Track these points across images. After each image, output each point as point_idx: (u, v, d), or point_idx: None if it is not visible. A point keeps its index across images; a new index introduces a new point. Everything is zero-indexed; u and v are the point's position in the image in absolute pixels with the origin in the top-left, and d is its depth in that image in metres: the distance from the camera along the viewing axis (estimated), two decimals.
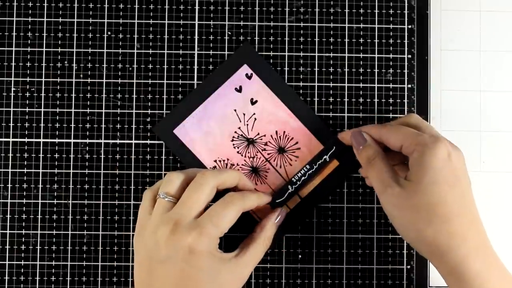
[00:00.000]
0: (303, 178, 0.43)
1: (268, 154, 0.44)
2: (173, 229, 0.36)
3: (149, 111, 0.44)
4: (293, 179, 0.43)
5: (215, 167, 0.44)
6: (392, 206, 0.36)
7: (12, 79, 0.44)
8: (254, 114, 0.44)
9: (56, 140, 0.44)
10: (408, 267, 0.45)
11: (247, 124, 0.44)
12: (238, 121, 0.44)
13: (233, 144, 0.44)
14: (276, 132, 0.44)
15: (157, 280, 0.36)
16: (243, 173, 0.43)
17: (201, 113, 0.44)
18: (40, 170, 0.44)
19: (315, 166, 0.43)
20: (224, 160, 0.44)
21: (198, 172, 0.38)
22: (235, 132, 0.44)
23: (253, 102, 0.44)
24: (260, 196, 0.41)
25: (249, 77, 0.44)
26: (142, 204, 0.39)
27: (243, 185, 0.41)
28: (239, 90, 0.44)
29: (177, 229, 0.36)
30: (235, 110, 0.44)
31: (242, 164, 0.44)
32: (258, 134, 0.44)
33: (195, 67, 0.44)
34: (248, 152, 0.44)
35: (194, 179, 0.38)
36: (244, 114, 0.44)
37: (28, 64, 0.44)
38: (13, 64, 0.44)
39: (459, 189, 0.35)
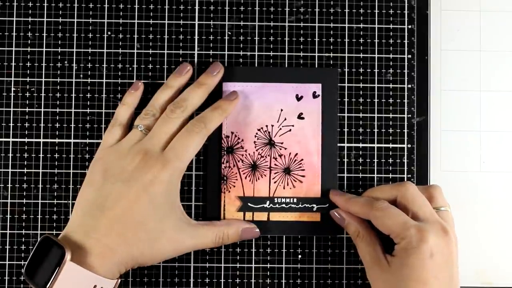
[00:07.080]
0: (283, 205, 0.43)
1: (275, 164, 0.43)
2: (141, 159, 0.38)
3: None
4: (275, 199, 0.43)
5: (228, 137, 0.43)
6: (379, 282, 0.38)
7: (12, 79, 0.44)
8: (292, 126, 0.43)
9: (56, 140, 0.44)
10: None
11: (280, 129, 0.44)
12: (276, 120, 0.43)
13: (256, 134, 0.44)
14: (296, 154, 0.43)
15: (108, 196, 0.37)
16: (243, 162, 0.43)
17: (256, 88, 0.44)
18: (40, 170, 0.44)
19: (300, 205, 0.43)
20: (238, 138, 0.43)
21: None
22: (266, 125, 0.44)
23: (300, 117, 0.43)
24: (224, 108, 0.41)
25: (315, 96, 0.43)
26: (111, 133, 0.41)
27: None
28: (298, 99, 0.43)
29: (145, 159, 0.38)
30: (281, 110, 0.44)
31: (249, 154, 0.43)
32: (282, 143, 0.44)
33: (195, 67, 0.44)
34: (262, 150, 0.43)
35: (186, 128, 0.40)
36: (285, 119, 0.43)
37: (28, 64, 0.44)
38: (13, 64, 0.44)
39: (444, 276, 0.36)
